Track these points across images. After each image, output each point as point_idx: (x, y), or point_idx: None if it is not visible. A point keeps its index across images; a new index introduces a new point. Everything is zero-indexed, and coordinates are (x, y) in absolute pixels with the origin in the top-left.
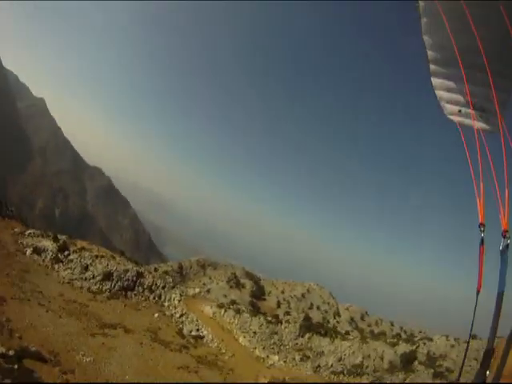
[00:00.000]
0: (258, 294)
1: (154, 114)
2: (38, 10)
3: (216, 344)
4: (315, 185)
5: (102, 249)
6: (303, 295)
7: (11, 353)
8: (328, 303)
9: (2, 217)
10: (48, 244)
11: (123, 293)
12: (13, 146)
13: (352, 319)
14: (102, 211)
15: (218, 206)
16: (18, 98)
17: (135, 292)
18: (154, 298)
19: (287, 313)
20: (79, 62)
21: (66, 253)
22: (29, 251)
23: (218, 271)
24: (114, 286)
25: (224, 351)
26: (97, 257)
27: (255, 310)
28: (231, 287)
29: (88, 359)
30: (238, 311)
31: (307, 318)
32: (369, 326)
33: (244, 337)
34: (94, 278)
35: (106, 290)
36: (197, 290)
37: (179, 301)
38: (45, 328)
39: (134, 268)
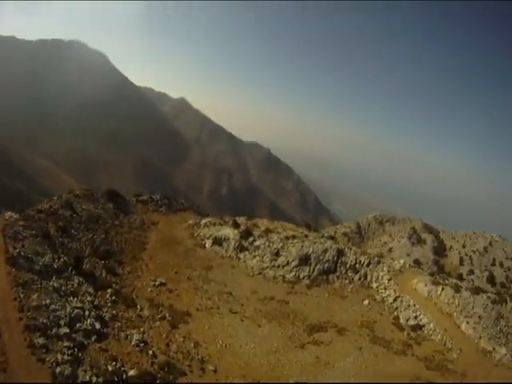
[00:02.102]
0: (440, 249)
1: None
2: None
3: (440, 336)
4: None
5: (286, 225)
6: (485, 249)
7: None
8: None
9: (173, 212)
10: (228, 232)
11: (324, 277)
12: (169, 145)
13: None
14: (266, 181)
15: (378, 157)
16: (160, 104)
17: (337, 274)
18: (360, 279)
19: (471, 271)
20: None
21: (251, 239)
22: (208, 243)
23: (397, 227)
24: (313, 271)
25: (450, 346)
26: (287, 238)
27: (440, 270)
28: (413, 244)
29: None
30: (457, 289)
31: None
32: None
33: (467, 322)
34: (288, 264)
35: (304, 277)
36: (401, 261)
37: (389, 279)
38: (243, 347)
39: (334, 246)
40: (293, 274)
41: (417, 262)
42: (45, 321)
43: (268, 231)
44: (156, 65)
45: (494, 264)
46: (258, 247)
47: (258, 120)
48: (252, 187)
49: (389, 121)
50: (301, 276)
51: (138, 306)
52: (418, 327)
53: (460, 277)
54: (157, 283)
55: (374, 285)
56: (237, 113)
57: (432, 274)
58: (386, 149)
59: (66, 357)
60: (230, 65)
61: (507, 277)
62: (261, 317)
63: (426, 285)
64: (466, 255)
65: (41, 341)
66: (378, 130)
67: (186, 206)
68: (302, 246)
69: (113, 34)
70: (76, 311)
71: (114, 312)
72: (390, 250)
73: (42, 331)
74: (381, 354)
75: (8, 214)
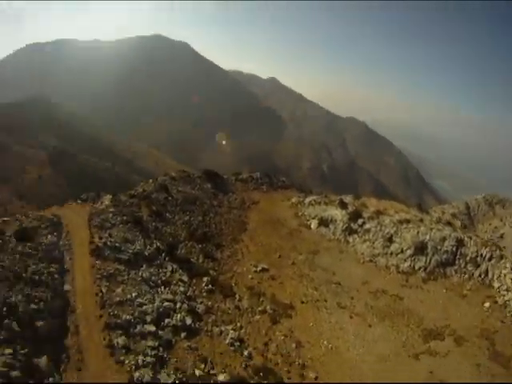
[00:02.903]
0: None
1: None
2: None
3: None
4: None
5: (397, 205)
6: None
7: None
8: None
9: (275, 190)
10: (335, 212)
11: (441, 270)
12: (264, 124)
13: None
14: (366, 156)
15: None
16: (250, 86)
17: (456, 267)
18: (480, 276)
19: None
20: None
21: (360, 221)
22: (314, 224)
23: (508, 210)
24: (430, 262)
25: None
26: (400, 222)
27: None
28: None
29: None
30: None
31: None
32: None
33: None
34: (402, 252)
35: (420, 269)
36: None
37: None
38: (350, 351)
39: (453, 234)
40: (407, 263)
41: None
42: (128, 317)
43: (379, 213)
44: (241, 50)
45: None
46: (368, 231)
47: (352, 94)
48: (353, 163)
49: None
50: (416, 267)
51: (237, 296)
52: None
53: None
54: (258, 269)
55: (496, 284)
56: (329, 88)
57: None
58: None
59: (148, 359)
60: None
61: None
62: (372, 315)
63: None
64: None
65: (121, 340)
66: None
67: (287, 183)
68: (418, 233)
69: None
70: (166, 304)
71: (210, 303)
72: (502, 236)
73: (123, 329)
74: (498, 375)
75: (103, 199)
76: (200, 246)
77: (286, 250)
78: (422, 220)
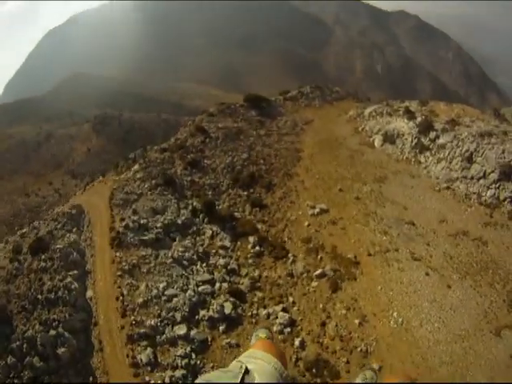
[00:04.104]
0: None
1: None
2: None
3: None
4: None
5: (469, 110)
6: None
7: None
8: None
9: (329, 103)
10: (402, 125)
11: None
12: (308, 32)
13: None
14: (421, 52)
15: None
16: None
17: None
18: None
19: None
20: None
21: (433, 134)
22: (378, 141)
23: None
24: None
25: None
26: (481, 136)
27: None
28: None
29: None
30: None
31: None
32: None
33: None
34: (485, 176)
35: (506, 200)
36: None
37: None
38: (423, 327)
39: None
40: (491, 192)
41: None
42: (154, 322)
43: (453, 123)
44: None
45: None
46: (443, 146)
47: None
48: (408, 61)
49: None
50: (501, 197)
51: (290, 256)
52: None
53: None
54: (316, 211)
55: None
56: None
57: None
58: None
59: (177, 373)
60: None
61: None
62: (452, 269)
63: None
64: None
65: (145, 356)
66: None
67: (342, 93)
68: (504, 151)
69: None
70: (201, 289)
71: (256, 273)
72: None
73: (149, 339)
74: None
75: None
76: (246, 192)
77: (348, 179)
78: (506, 133)
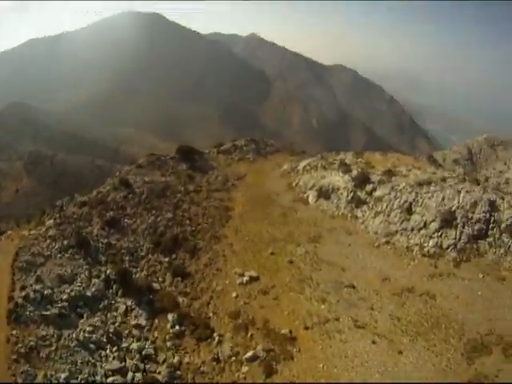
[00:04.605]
0: None
1: None
2: None
3: None
4: None
5: (404, 159)
6: None
7: None
8: None
9: (263, 157)
10: (337, 179)
11: (474, 246)
12: (250, 84)
13: None
14: (357, 105)
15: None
16: (233, 46)
17: (490, 240)
18: None
19: None
20: None
21: (369, 187)
22: (312, 197)
23: (510, 152)
24: (460, 237)
25: None
26: (420, 185)
27: None
28: None
29: None
30: None
31: None
32: None
33: None
34: (425, 226)
35: (449, 247)
36: None
37: None
38: None
39: (485, 196)
40: (433, 241)
41: None
42: None
43: (390, 173)
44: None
45: None
46: (380, 199)
47: (337, 41)
48: (343, 113)
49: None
50: (444, 245)
51: (216, 336)
52: None
53: None
54: (245, 279)
55: None
56: (312, 37)
57: None
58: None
59: None
60: None
61: None
62: (400, 333)
63: None
64: None
65: None
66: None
67: (277, 146)
68: (444, 198)
69: None
70: (111, 380)
71: (176, 360)
72: (507, 181)
73: None
74: None
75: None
76: (168, 258)
77: (281, 240)
78: (444, 179)
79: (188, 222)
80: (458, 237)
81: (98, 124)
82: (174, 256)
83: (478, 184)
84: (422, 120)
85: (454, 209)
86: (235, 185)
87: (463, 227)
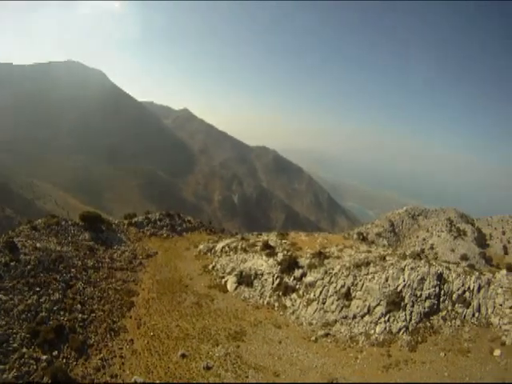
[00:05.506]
0: (481, 240)
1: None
2: None
3: None
4: None
5: (332, 238)
6: None
7: None
8: None
9: (178, 234)
10: (260, 263)
11: (427, 324)
12: (175, 157)
13: None
14: (277, 184)
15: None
16: (163, 117)
17: (443, 314)
18: (474, 316)
19: None
20: None
21: (299, 272)
22: (231, 283)
23: (431, 220)
24: (411, 317)
25: None
26: (357, 266)
27: (487, 263)
28: (454, 238)
29: None
30: None
31: None
32: None
33: None
34: (369, 312)
35: (400, 331)
36: (503, 272)
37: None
38: None
39: (432, 270)
40: (381, 327)
41: (464, 258)
42: None
43: (321, 256)
44: (156, 81)
45: None
46: (312, 285)
47: (261, 123)
48: (264, 192)
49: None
50: (394, 329)
51: None
52: None
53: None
54: None
55: (494, 320)
56: (239, 119)
57: None
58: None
59: None
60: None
61: None
62: None
63: None
64: (509, 242)
65: None
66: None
67: (194, 223)
68: (387, 279)
69: (111, 53)
70: None
71: None
72: (432, 247)
73: None
74: None
75: None
76: (48, 355)
77: (194, 338)
78: (384, 258)
79: (79, 307)
80: (408, 318)
81: (17, 173)
82: (55, 353)
83: (421, 258)
84: (340, 197)
85: (400, 288)
86: (143, 264)
87: (412, 306)
